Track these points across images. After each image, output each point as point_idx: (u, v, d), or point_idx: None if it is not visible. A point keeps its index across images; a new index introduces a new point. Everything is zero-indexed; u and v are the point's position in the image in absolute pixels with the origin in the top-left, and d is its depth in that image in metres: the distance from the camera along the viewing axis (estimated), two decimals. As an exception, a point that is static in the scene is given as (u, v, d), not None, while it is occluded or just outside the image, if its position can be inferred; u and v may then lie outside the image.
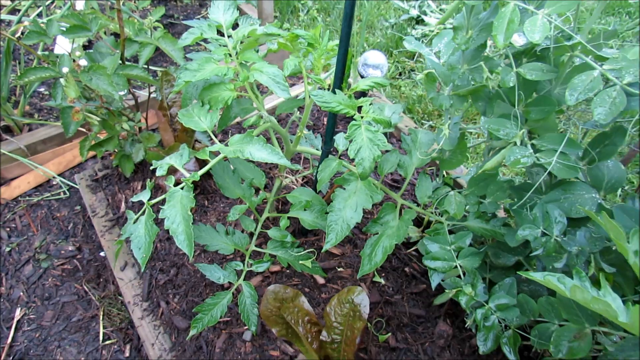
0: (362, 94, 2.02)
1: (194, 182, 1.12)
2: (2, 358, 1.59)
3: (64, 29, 1.50)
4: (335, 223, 1.20)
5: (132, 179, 1.92)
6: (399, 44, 3.02)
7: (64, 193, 2.07)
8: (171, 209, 1.09)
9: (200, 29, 1.24)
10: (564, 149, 0.99)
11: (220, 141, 1.17)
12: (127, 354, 1.61)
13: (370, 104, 1.13)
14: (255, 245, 1.47)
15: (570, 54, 0.98)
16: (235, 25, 1.30)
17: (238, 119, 2.03)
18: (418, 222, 1.69)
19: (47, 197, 2.06)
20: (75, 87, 1.42)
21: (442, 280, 1.27)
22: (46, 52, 1.77)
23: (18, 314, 1.71)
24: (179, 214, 1.08)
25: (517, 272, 0.93)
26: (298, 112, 1.53)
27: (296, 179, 1.57)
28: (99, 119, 1.63)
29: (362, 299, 1.18)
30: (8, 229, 1.94)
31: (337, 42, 1.16)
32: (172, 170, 1.20)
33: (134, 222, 1.14)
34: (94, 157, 2.17)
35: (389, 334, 1.44)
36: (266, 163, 1.90)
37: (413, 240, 1.64)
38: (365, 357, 1.40)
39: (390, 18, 3.27)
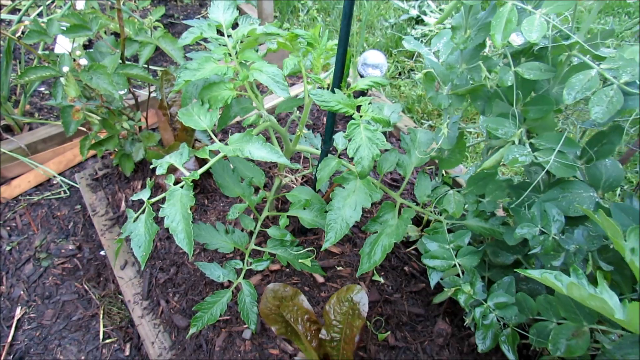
0: (362, 93, 2.02)
1: (193, 181, 1.13)
2: (3, 357, 1.59)
3: (65, 28, 1.51)
4: (334, 222, 1.20)
5: (132, 178, 1.92)
6: (398, 44, 3.03)
7: (64, 192, 2.08)
8: (171, 208, 1.09)
9: (200, 29, 1.25)
10: (562, 148, 0.99)
11: (220, 140, 1.18)
12: (127, 353, 1.62)
13: (369, 103, 1.14)
14: (255, 244, 1.48)
15: (568, 53, 0.98)
16: (235, 25, 1.31)
17: (238, 118, 2.04)
18: (417, 221, 1.69)
19: (47, 196, 2.06)
20: (76, 86, 1.43)
21: (441, 279, 1.27)
22: (46, 52, 1.77)
23: (18, 312, 1.71)
24: (178, 213, 1.09)
25: (515, 270, 0.93)
26: (298, 112, 1.54)
27: (296, 178, 1.57)
28: (99, 118, 1.63)
29: (361, 297, 1.19)
30: (8, 228, 1.95)
31: (336, 41, 1.17)
32: (172, 169, 1.21)
33: (134, 221, 1.15)
34: (94, 156, 2.18)
35: (388, 332, 1.45)
36: (266, 162, 1.90)
37: (412, 239, 1.64)
38: (364, 355, 1.40)
39: (390, 18, 3.27)
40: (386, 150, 1.40)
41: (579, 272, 0.75)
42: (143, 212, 1.15)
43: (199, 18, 1.92)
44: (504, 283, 1.20)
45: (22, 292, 1.76)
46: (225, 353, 1.40)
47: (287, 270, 1.57)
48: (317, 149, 1.54)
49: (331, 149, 1.38)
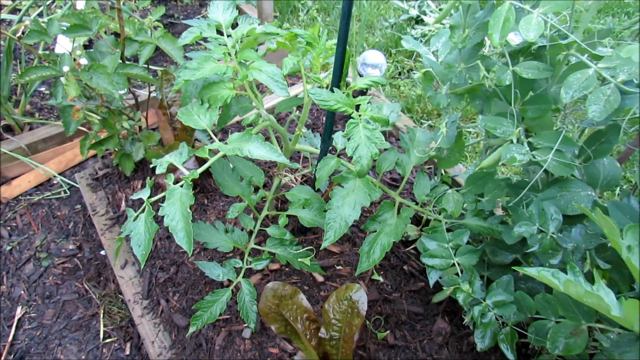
0: (361, 93, 2.02)
1: (193, 181, 1.13)
2: (4, 356, 1.60)
3: (65, 28, 1.51)
4: (333, 221, 1.21)
5: (133, 178, 1.93)
6: (398, 44, 3.03)
7: (65, 192, 2.08)
8: (170, 207, 1.10)
9: (200, 28, 1.25)
10: (560, 147, 1.00)
11: (220, 140, 1.18)
12: (127, 352, 1.62)
13: (368, 103, 1.14)
14: (255, 243, 1.48)
15: (566, 52, 0.98)
16: (234, 25, 1.31)
17: (238, 118, 2.04)
18: (417, 220, 1.69)
19: (47, 196, 2.07)
20: (76, 85, 1.43)
21: (440, 278, 1.28)
22: (47, 52, 1.78)
23: (19, 312, 1.72)
24: (178, 212, 1.09)
25: (513, 268, 0.94)
26: (297, 111, 1.54)
27: (295, 178, 1.58)
28: (99, 117, 1.64)
29: (360, 296, 1.19)
30: (9, 228, 1.95)
31: (335, 41, 1.17)
32: (172, 169, 1.21)
33: (134, 220, 1.15)
34: (95, 156, 2.18)
35: (388, 331, 1.45)
36: (265, 162, 1.91)
37: (412, 238, 1.64)
38: (364, 354, 1.41)
39: (389, 18, 3.28)
40: (385, 149, 1.41)
41: (575, 269, 0.75)
42: (143, 211, 1.15)
43: (199, 18, 1.92)
44: (503, 282, 1.20)
45: (22, 292, 1.77)
46: (225, 352, 1.41)
47: (287, 269, 1.58)
48: (316, 148, 1.54)
49: (331, 148, 1.38)
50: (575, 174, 1.10)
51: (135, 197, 1.19)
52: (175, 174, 1.28)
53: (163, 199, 1.14)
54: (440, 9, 3.25)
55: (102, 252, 1.87)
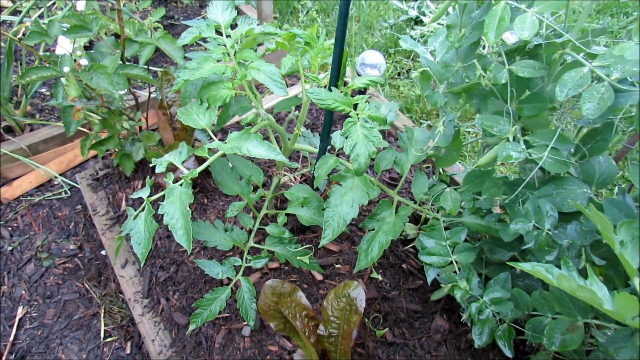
0: (361, 92, 2.03)
1: (193, 181, 1.15)
2: (5, 356, 1.60)
3: (65, 29, 1.52)
4: (331, 219, 1.22)
5: (133, 178, 1.94)
6: (397, 45, 3.04)
7: (65, 192, 2.09)
8: (170, 205, 1.11)
9: (199, 29, 1.26)
10: (556, 145, 1.01)
11: (219, 140, 1.19)
12: (128, 351, 1.63)
13: (366, 102, 1.15)
14: (254, 242, 1.49)
15: (561, 51, 1.00)
16: (234, 26, 1.32)
17: (237, 118, 2.06)
18: (416, 219, 1.70)
19: (48, 196, 2.08)
20: (76, 86, 1.44)
21: (438, 275, 1.29)
22: (47, 53, 1.79)
23: (20, 312, 1.73)
24: (177, 210, 1.10)
25: (508, 263, 0.94)
26: (296, 111, 1.55)
27: (294, 177, 1.58)
28: (99, 118, 1.65)
29: (358, 293, 1.20)
30: (10, 229, 1.96)
31: (334, 41, 1.18)
32: (172, 169, 1.22)
33: (134, 219, 1.16)
34: (95, 156, 2.19)
35: (386, 329, 1.46)
36: (265, 161, 1.92)
37: (410, 237, 1.65)
38: (362, 352, 1.42)
39: (389, 19, 3.29)
40: (384, 148, 1.42)
41: (569, 264, 0.76)
42: (143, 210, 1.16)
43: (198, 19, 1.93)
44: (500, 279, 1.21)
45: (23, 292, 1.78)
46: (225, 350, 1.42)
47: (286, 268, 1.59)
48: (315, 147, 1.55)
49: (330, 148, 1.39)
50: (571, 171, 1.11)
51: (135, 196, 1.21)
52: (175, 174, 1.29)
53: (163, 198, 1.15)
54: (439, 10, 3.26)
55: (103, 252, 1.88)
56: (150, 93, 1.80)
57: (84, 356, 1.62)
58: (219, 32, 1.30)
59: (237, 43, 1.28)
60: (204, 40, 1.32)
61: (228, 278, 1.42)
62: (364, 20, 3.20)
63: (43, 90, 2.45)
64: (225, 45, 1.27)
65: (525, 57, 1.07)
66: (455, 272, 1.26)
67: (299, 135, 1.54)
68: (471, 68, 1.13)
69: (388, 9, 3.38)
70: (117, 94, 1.49)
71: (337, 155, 1.33)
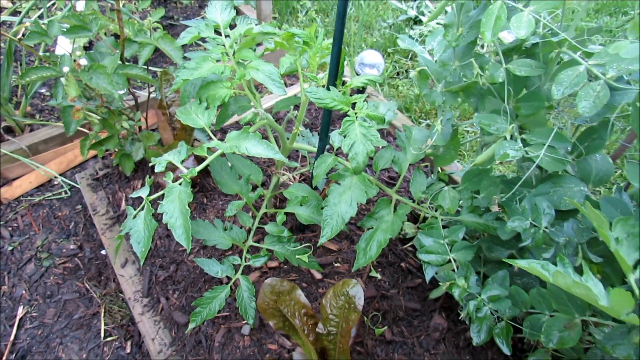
0: (360, 92, 2.04)
1: (193, 180, 1.15)
2: (5, 355, 1.61)
3: (65, 29, 1.53)
4: (330, 217, 1.22)
5: (133, 178, 1.94)
6: (396, 44, 3.05)
7: (65, 192, 2.10)
8: (169, 204, 1.11)
9: (198, 29, 1.27)
10: (552, 143, 1.01)
11: (219, 140, 1.20)
12: (128, 350, 1.64)
13: (364, 101, 1.16)
14: (253, 241, 1.50)
15: (558, 50, 1.00)
16: (233, 26, 1.33)
17: (237, 118, 2.06)
18: (414, 218, 1.71)
19: (48, 196, 2.08)
20: (76, 86, 1.45)
21: (436, 274, 1.29)
22: (47, 53, 1.80)
23: (20, 312, 1.73)
24: (177, 209, 1.11)
25: (504, 260, 0.95)
26: (295, 111, 1.56)
27: (293, 176, 1.59)
28: (99, 118, 1.65)
29: (356, 291, 1.20)
30: (10, 229, 1.97)
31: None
32: (171, 168, 1.23)
33: (134, 218, 1.17)
34: (95, 156, 2.20)
35: (385, 327, 1.46)
36: (264, 161, 1.92)
37: (409, 236, 1.66)
38: (362, 350, 1.42)
39: (388, 19, 3.29)
40: (382, 147, 1.43)
41: (565, 261, 0.77)
42: (142, 209, 1.17)
43: (197, 19, 1.94)
44: (498, 277, 1.21)
45: (24, 292, 1.78)
46: (225, 348, 1.42)
47: (285, 267, 1.59)
48: (314, 146, 1.56)
49: (329, 147, 1.40)
50: (569, 169, 1.12)
51: (134, 195, 1.21)
52: (174, 173, 1.30)
53: (162, 197, 1.15)
54: (438, 10, 3.27)
55: (103, 252, 1.89)
56: (149, 93, 1.81)
57: (84, 355, 1.62)
58: (217, 32, 1.30)
59: (235, 43, 1.29)
60: (203, 40, 1.33)
61: (227, 277, 1.43)
62: (363, 20, 3.20)
63: (43, 90, 2.45)
64: (224, 45, 1.27)
65: (522, 56, 1.07)
66: (453, 270, 1.26)
67: (298, 135, 1.55)
68: (469, 67, 1.14)
69: (387, 9, 3.38)
70: (116, 93, 1.49)
71: (336, 155, 1.33)
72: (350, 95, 1.16)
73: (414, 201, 1.43)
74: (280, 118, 2.18)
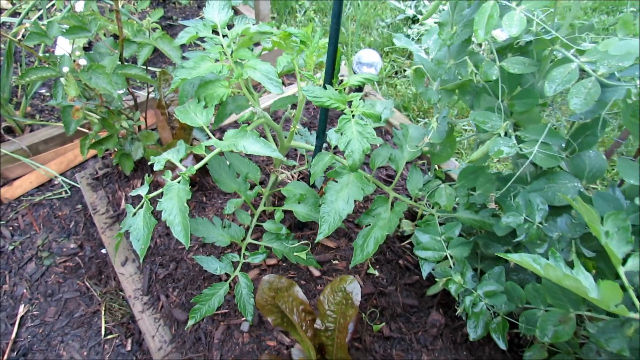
0: (358, 90, 2.05)
1: (192, 179, 1.17)
2: (7, 353, 1.62)
3: (64, 30, 1.54)
4: (327, 214, 1.24)
5: (132, 177, 1.96)
6: (394, 43, 3.06)
7: (66, 192, 2.11)
8: (168, 202, 1.13)
9: (196, 28, 1.28)
10: (546, 140, 1.03)
11: (217, 139, 1.21)
12: (128, 348, 1.65)
13: (360, 99, 1.17)
14: (252, 239, 1.51)
15: (551, 48, 1.01)
16: (231, 25, 1.34)
17: (235, 117, 2.07)
18: (412, 216, 1.72)
19: (49, 196, 2.09)
20: (75, 86, 1.46)
21: (433, 270, 1.30)
22: (47, 54, 1.81)
23: (21, 310, 1.74)
24: (175, 206, 1.12)
25: (498, 255, 0.96)
26: (293, 110, 1.57)
27: (292, 175, 1.60)
28: (98, 117, 1.67)
29: (354, 287, 1.22)
30: (11, 228, 1.98)
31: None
32: (170, 167, 1.24)
33: (133, 215, 1.18)
34: (95, 156, 2.21)
35: (383, 323, 1.48)
36: (262, 160, 1.94)
37: (407, 233, 1.67)
38: (360, 346, 1.43)
39: (386, 18, 3.31)
40: (379, 145, 1.44)
41: (556, 255, 0.78)
42: (142, 207, 1.18)
43: (196, 19, 1.95)
44: (494, 273, 1.23)
45: (25, 291, 1.80)
46: (224, 345, 1.43)
47: (284, 264, 1.60)
48: (311, 145, 1.57)
49: (326, 145, 1.41)
50: (563, 166, 1.13)
51: (133, 193, 1.23)
52: (173, 172, 1.31)
53: (161, 195, 1.17)
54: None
55: (103, 251, 1.90)
56: (148, 93, 1.82)
57: (85, 353, 1.64)
58: (215, 32, 1.32)
59: (233, 42, 1.30)
60: (201, 40, 1.34)
61: (226, 274, 1.44)
62: (361, 20, 3.22)
63: (43, 91, 2.47)
64: (222, 45, 1.29)
65: (516, 54, 1.08)
66: (450, 266, 1.28)
67: (296, 133, 1.56)
68: (463, 65, 1.15)
69: (385, 9, 3.40)
70: (115, 93, 1.51)
71: (334, 153, 1.35)
72: (348, 94, 1.17)
73: (411, 198, 1.44)
74: (278, 117, 2.19)
